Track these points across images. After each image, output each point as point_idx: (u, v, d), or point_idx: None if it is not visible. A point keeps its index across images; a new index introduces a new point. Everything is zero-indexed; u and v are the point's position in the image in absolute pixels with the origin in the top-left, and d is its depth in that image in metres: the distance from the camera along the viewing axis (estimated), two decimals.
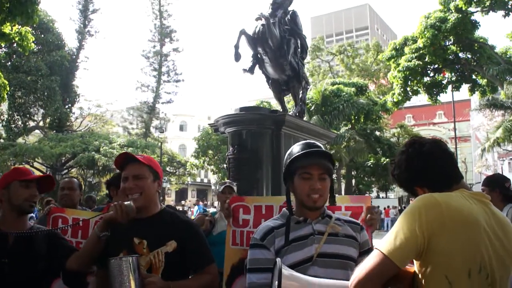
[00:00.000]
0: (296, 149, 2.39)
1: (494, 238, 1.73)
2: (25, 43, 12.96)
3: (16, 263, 2.59)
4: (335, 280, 2.00)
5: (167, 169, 33.89)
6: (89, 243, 2.59)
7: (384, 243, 1.74)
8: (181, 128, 58.31)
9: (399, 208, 29.97)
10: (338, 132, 25.32)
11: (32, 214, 4.02)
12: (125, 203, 2.43)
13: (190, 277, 2.64)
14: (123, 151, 2.97)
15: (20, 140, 29.08)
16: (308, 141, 2.48)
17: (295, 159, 2.35)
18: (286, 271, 1.91)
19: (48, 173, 25.91)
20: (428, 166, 1.93)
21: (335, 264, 2.14)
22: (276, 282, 1.87)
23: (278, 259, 1.98)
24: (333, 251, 2.23)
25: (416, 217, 1.70)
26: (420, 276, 1.75)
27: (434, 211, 1.69)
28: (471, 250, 1.68)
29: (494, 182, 4.13)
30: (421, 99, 32.17)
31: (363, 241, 2.34)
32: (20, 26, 12.94)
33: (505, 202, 3.97)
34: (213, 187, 51.49)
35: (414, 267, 1.79)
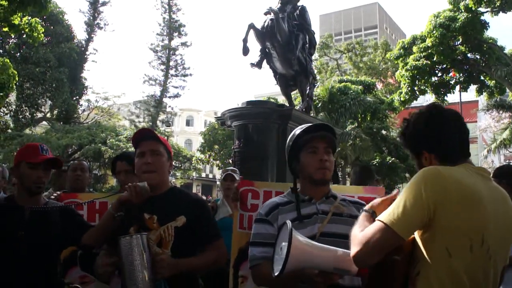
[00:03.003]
0: (298, 130, 2.44)
1: (496, 212, 1.75)
2: (35, 34, 13.01)
3: (32, 236, 2.65)
4: (342, 249, 2.01)
5: (173, 163, 33.83)
6: (104, 222, 2.65)
7: (387, 215, 1.73)
8: (188, 123, 58.32)
9: None
10: (344, 130, 25.27)
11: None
12: (139, 184, 2.48)
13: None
14: (142, 127, 3.00)
15: (27, 131, 29.17)
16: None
17: (300, 135, 2.39)
18: (297, 234, 1.93)
19: None
20: (446, 132, 1.91)
21: (338, 244, 2.13)
22: (284, 243, 1.88)
23: (288, 221, 2.00)
24: (336, 231, 2.26)
25: (421, 189, 1.69)
26: (420, 246, 1.76)
27: (439, 184, 1.69)
28: (474, 225, 1.69)
29: (502, 174, 4.06)
30: (428, 99, 32.01)
31: None
32: (30, 17, 12.99)
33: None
34: (218, 183, 51.47)
35: (415, 235, 1.80)
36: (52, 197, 3.61)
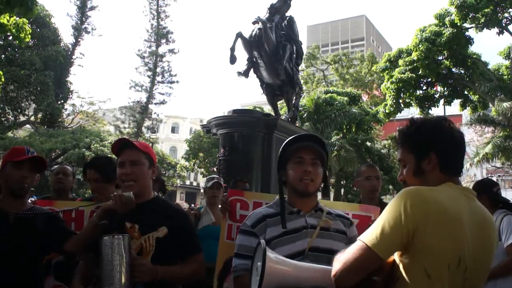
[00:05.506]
0: (288, 139, 2.44)
1: (475, 233, 1.75)
2: (22, 35, 12.86)
3: (16, 241, 2.64)
4: (320, 265, 1.99)
5: (156, 170, 33.62)
6: (88, 229, 2.64)
7: (368, 235, 1.73)
8: (173, 130, 58.14)
9: None
10: (329, 141, 25.36)
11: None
12: (125, 194, 2.47)
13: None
14: (121, 137, 3.00)
15: (9, 134, 28.79)
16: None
17: (288, 145, 2.39)
18: (271, 254, 1.90)
19: None
20: (458, 142, 1.92)
21: (326, 259, 2.10)
22: (259, 263, 1.86)
23: (262, 241, 1.97)
24: (324, 246, 2.24)
25: (402, 210, 1.68)
26: (400, 266, 1.76)
27: (421, 206, 1.68)
28: (452, 247, 1.69)
29: (483, 187, 4.03)
30: (413, 112, 32.34)
31: (352, 236, 2.35)
32: (17, 18, 12.86)
33: (494, 208, 3.93)
34: (202, 190, 51.26)
35: (394, 256, 1.79)
36: (29, 201, 3.55)
